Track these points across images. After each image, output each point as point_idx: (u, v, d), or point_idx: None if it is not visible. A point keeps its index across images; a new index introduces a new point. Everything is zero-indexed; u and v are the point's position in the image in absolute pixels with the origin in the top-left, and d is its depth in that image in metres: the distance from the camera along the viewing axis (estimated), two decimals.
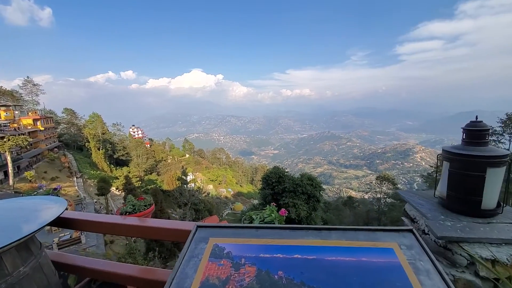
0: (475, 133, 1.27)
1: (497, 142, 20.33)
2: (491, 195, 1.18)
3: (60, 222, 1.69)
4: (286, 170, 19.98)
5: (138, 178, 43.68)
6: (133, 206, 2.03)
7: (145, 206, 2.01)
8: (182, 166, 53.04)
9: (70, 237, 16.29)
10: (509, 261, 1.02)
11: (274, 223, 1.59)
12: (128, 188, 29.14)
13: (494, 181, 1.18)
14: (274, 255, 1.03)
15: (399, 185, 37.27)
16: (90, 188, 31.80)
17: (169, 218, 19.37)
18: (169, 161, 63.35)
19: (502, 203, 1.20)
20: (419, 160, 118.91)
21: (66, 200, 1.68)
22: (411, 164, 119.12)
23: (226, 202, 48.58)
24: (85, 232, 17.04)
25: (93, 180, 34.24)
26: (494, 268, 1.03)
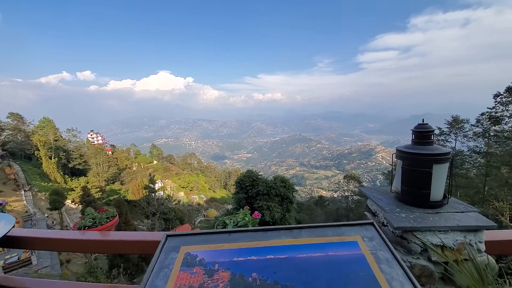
0: (422, 134, 1.42)
1: (445, 141, 23.04)
2: (437, 188, 1.34)
3: (6, 242, 1.48)
4: (260, 173, 20.16)
5: (98, 189, 40.15)
6: (93, 219, 1.87)
7: (108, 218, 1.87)
8: (150, 173, 50.19)
9: (18, 258, 14.27)
10: (455, 246, 1.16)
11: (248, 227, 1.60)
12: (87, 200, 26.62)
13: (439, 175, 1.33)
14: (248, 257, 1.04)
15: (364, 183, 39.99)
16: (41, 202, 28.35)
17: (135, 230, 18.15)
18: (134, 168, 59.36)
19: (447, 195, 1.37)
20: (380, 159, 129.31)
21: (13, 217, 1.49)
22: (373, 163, 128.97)
23: (199, 209, 47.14)
24: (36, 252, 15.08)
25: (44, 193, 30.60)
26: (443, 253, 1.16)
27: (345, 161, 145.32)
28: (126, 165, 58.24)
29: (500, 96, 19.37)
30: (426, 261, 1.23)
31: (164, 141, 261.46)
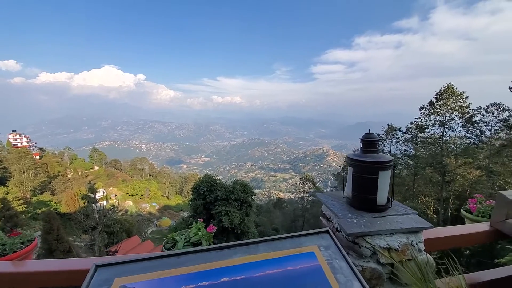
0: (369, 142, 1.52)
1: (382, 146, 26.37)
2: (382, 193, 1.43)
3: None
4: (219, 178, 19.73)
5: (22, 201, 33.78)
6: (2, 245, 1.47)
7: (22, 243, 1.48)
8: (89, 181, 44.40)
9: None
10: (399, 247, 1.24)
11: (201, 243, 1.46)
12: (6, 215, 22.07)
13: (384, 181, 1.43)
14: (199, 283, 0.92)
15: (317, 184, 42.84)
16: None
17: (69, 249, 15.59)
18: (69, 176, 51.66)
19: (390, 199, 1.47)
20: (331, 162, 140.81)
21: None
22: (326, 165, 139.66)
23: (150, 219, 43.55)
24: None
25: None
26: (390, 255, 1.23)
27: (301, 164, 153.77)
28: (59, 172, 50.26)
29: (424, 108, 23.23)
30: (375, 263, 1.29)
31: (109, 144, 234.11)
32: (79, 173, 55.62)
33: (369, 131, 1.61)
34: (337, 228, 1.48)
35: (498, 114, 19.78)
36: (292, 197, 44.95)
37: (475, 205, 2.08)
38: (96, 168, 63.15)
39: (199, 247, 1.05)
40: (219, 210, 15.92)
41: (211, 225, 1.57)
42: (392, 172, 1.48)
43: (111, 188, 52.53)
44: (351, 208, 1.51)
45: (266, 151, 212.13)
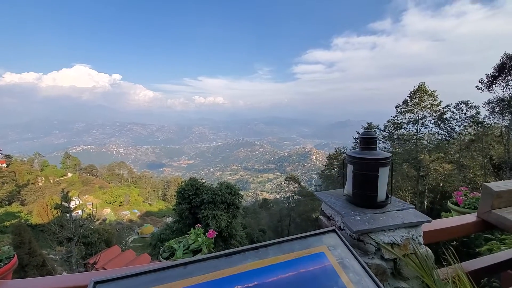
0: (368, 140, 1.54)
1: None
2: (382, 189, 1.46)
3: None
4: (204, 181, 19.36)
5: None
6: None
7: (0, 261, 1.31)
8: (63, 189, 41.52)
9: None
10: (402, 242, 1.27)
11: (201, 250, 1.39)
12: None
13: (383, 178, 1.45)
14: None
15: (302, 183, 43.55)
16: None
17: (43, 262, 14.48)
18: (40, 184, 48.03)
19: (389, 195, 1.50)
20: (315, 160, 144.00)
21: None
22: (309, 164, 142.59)
23: (131, 227, 41.69)
24: None
25: None
26: (393, 249, 1.25)
27: (285, 164, 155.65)
28: (29, 180, 46.48)
29: (400, 107, 24.49)
30: (379, 259, 1.30)
31: (83, 148, 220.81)
32: (51, 181, 51.83)
33: (367, 128, 1.63)
34: (340, 226, 1.48)
35: (466, 111, 21.37)
36: (278, 197, 45.36)
37: (461, 198, 2.19)
38: (70, 175, 59.19)
39: (207, 255, 0.99)
40: (206, 214, 15.61)
41: (211, 231, 1.51)
42: (391, 168, 1.51)
43: (87, 196, 49.51)
44: (352, 206, 1.52)
45: (251, 151, 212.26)
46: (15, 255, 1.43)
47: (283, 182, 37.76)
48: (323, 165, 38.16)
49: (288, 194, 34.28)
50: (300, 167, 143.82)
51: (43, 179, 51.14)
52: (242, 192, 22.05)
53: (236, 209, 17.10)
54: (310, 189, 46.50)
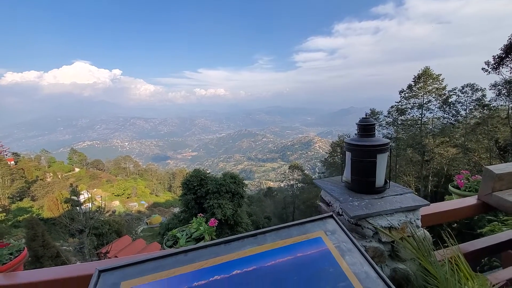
0: (366, 127, 1.53)
1: None
2: (380, 175, 1.46)
3: None
4: (208, 172, 19.56)
5: (0, 209, 32.07)
6: None
7: (11, 254, 1.38)
8: (71, 184, 42.52)
9: None
10: (399, 225, 1.29)
11: (203, 238, 1.44)
12: None
13: (381, 164, 1.45)
14: (211, 278, 0.90)
15: (305, 171, 43.74)
16: None
17: (57, 254, 15.08)
18: (48, 180, 49.10)
19: (387, 180, 1.50)
20: (318, 148, 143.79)
21: None
22: (313, 152, 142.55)
23: (140, 217, 42.79)
24: None
25: None
26: (391, 233, 1.27)
27: (289, 153, 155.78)
28: (37, 177, 47.60)
29: (404, 92, 24.02)
30: (377, 242, 1.33)
31: (88, 144, 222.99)
32: (59, 176, 52.99)
33: (366, 115, 1.62)
34: (338, 212, 1.50)
35: (472, 94, 20.90)
36: (282, 185, 45.72)
37: (462, 181, 2.19)
38: (77, 170, 60.36)
39: (207, 242, 1.02)
40: (211, 203, 15.89)
41: (212, 219, 1.55)
42: (389, 154, 1.51)
43: (95, 189, 50.67)
44: (350, 192, 1.53)
45: (254, 141, 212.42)
46: (25, 248, 1.49)
47: (287, 171, 37.98)
48: (327, 152, 38.12)
49: (292, 182, 34.57)
50: (303, 155, 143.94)
51: (51, 174, 52.29)
52: (246, 182, 22.31)
53: (241, 198, 17.36)
54: (314, 176, 46.75)
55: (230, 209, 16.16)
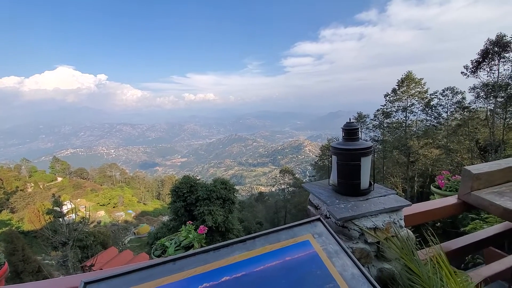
0: (350, 131, 1.58)
1: None
2: (365, 178, 1.51)
3: None
4: (198, 178, 19.30)
5: None
6: None
7: None
8: (53, 194, 40.74)
9: None
10: (384, 226, 1.33)
11: (193, 246, 1.42)
12: None
13: (366, 166, 1.51)
14: (200, 286, 0.89)
15: (296, 175, 44.10)
16: None
17: (39, 268, 14.33)
18: (29, 190, 46.92)
19: (372, 182, 1.55)
20: (308, 152, 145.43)
21: None
22: (303, 156, 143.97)
23: (127, 227, 41.41)
24: None
25: None
26: (376, 234, 1.31)
27: (279, 157, 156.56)
28: (17, 187, 45.33)
29: (388, 96, 24.89)
30: (363, 243, 1.37)
31: (71, 152, 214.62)
32: (41, 186, 50.64)
33: (350, 120, 1.68)
34: (326, 215, 1.53)
35: (452, 97, 21.95)
36: (273, 189, 45.74)
37: (443, 181, 2.29)
38: (60, 179, 57.94)
39: (196, 250, 1.02)
40: (202, 210, 15.65)
41: (201, 226, 1.54)
42: (373, 157, 1.57)
43: (79, 199, 48.73)
44: (337, 195, 1.57)
45: (244, 146, 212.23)
46: (6, 263, 1.42)
47: (278, 175, 38.11)
48: (317, 156, 38.65)
49: (283, 186, 34.68)
50: (294, 159, 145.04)
51: (32, 185, 49.85)
52: (237, 187, 22.16)
53: (232, 204, 17.21)
54: (304, 180, 47.13)
55: (221, 216, 15.96)
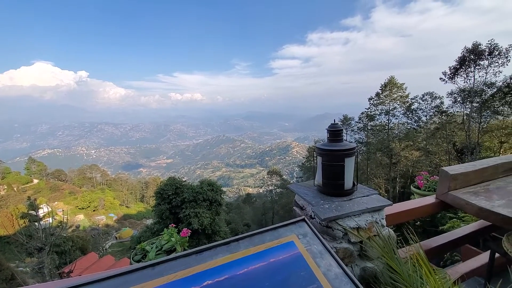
0: (335, 132, 1.60)
1: None
2: (349, 178, 1.54)
3: None
4: (184, 179, 18.94)
5: None
6: None
7: None
8: (29, 197, 38.50)
9: None
10: (366, 225, 1.35)
11: (175, 249, 1.37)
12: None
13: (349, 167, 1.53)
14: None
15: (284, 176, 44.44)
16: None
17: (12, 276, 13.40)
18: (2, 193, 44.05)
19: (355, 182, 1.58)
20: (295, 153, 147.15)
21: None
22: (290, 157, 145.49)
23: (108, 231, 39.83)
24: None
25: None
26: (359, 233, 1.33)
27: (267, 158, 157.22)
28: None
29: (372, 99, 25.73)
30: (347, 243, 1.39)
31: (48, 152, 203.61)
32: (15, 188, 47.54)
33: (334, 121, 1.70)
34: (311, 215, 1.54)
35: (431, 101, 23.06)
36: (261, 191, 45.82)
37: (422, 181, 2.38)
38: (36, 181, 54.66)
39: (177, 254, 0.98)
40: (188, 213, 15.34)
41: (185, 229, 1.49)
42: (356, 158, 1.60)
43: (56, 202, 46.25)
44: (322, 195, 1.58)
45: (232, 147, 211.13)
46: None
47: (266, 176, 38.21)
48: (304, 157, 39.18)
49: (270, 188, 34.80)
50: (281, 160, 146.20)
51: (5, 187, 46.68)
52: (224, 189, 21.98)
53: (218, 206, 17.02)
54: (292, 181, 47.58)
55: (208, 218, 15.74)
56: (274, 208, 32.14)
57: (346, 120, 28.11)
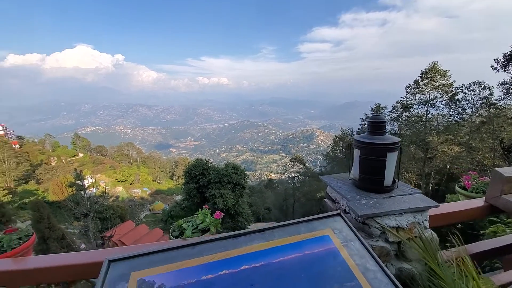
0: (377, 124, 1.49)
1: None
2: (389, 174, 1.44)
3: None
4: (210, 161, 19.70)
5: (6, 191, 32.67)
6: None
7: (20, 239, 1.39)
8: (75, 168, 43.18)
9: None
10: (407, 226, 1.28)
11: (209, 230, 1.44)
12: None
13: (391, 162, 1.43)
14: (219, 273, 0.90)
15: (307, 164, 43.84)
16: None
17: (63, 236, 15.48)
18: (53, 164, 49.99)
19: (396, 179, 1.48)
20: (320, 142, 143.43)
21: None
22: (315, 146, 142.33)
23: (143, 203, 43.61)
24: None
25: None
26: (398, 233, 1.26)
27: (291, 145, 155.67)
28: (42, 161, 48.42)
29: (410, 87, 23.55)
30: (384, 242, 1.33)
31: (91, 129, 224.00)
32: (63, 161, 53.78)
33: (376, 112, 1.58)
34: (345, 209, 1.49)
35: (479, 92, 20.44)
36: (283, 177, 45.98)
37: (469, 182, 2.16)
38: (81, 155, 61.14)
39: (215, 236, 1.02)
40: (213, 193, 16.09)
41: (218, 212, 1.55)
42: (399, 153, 1.48)
43: (98, 175, 51.51)
44: (358, 190, 1.52)
45: (256, 133, 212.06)
46: (34, 233, 1.51)
47: (288, 163, 38.06)
48: (329, 146, 38.03)
49: (293, 175, 34.71)
50: (305, 148, 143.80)
51: (56, 159, 53.04)
52: (247, 173, 22.44)
53: (242, 189, 17.54)
54: (315, 170, 46.88)
55: (232, 199, 16.36)
56: (295, 195, 32.20)
57: (378, 109, 26.30)
